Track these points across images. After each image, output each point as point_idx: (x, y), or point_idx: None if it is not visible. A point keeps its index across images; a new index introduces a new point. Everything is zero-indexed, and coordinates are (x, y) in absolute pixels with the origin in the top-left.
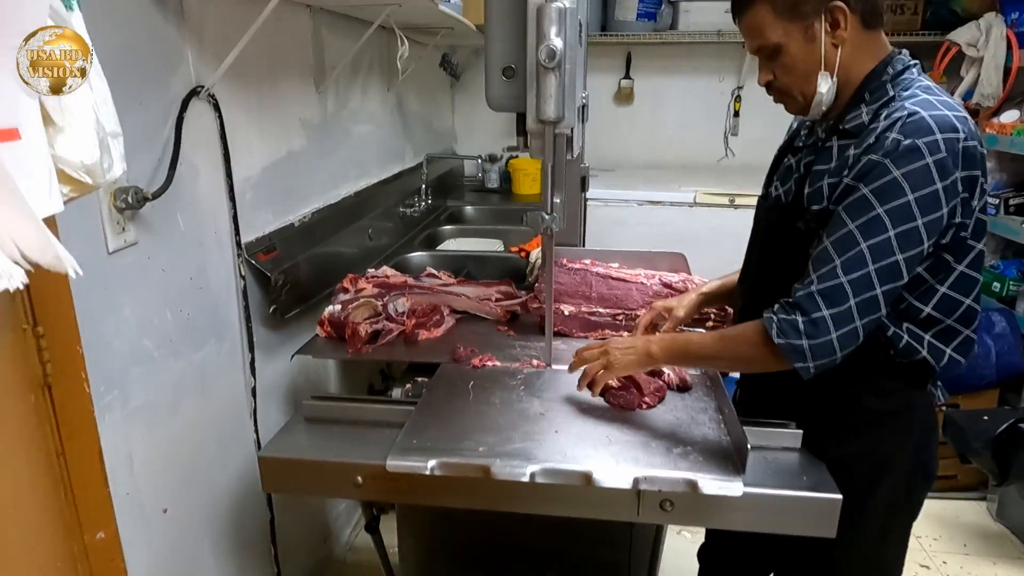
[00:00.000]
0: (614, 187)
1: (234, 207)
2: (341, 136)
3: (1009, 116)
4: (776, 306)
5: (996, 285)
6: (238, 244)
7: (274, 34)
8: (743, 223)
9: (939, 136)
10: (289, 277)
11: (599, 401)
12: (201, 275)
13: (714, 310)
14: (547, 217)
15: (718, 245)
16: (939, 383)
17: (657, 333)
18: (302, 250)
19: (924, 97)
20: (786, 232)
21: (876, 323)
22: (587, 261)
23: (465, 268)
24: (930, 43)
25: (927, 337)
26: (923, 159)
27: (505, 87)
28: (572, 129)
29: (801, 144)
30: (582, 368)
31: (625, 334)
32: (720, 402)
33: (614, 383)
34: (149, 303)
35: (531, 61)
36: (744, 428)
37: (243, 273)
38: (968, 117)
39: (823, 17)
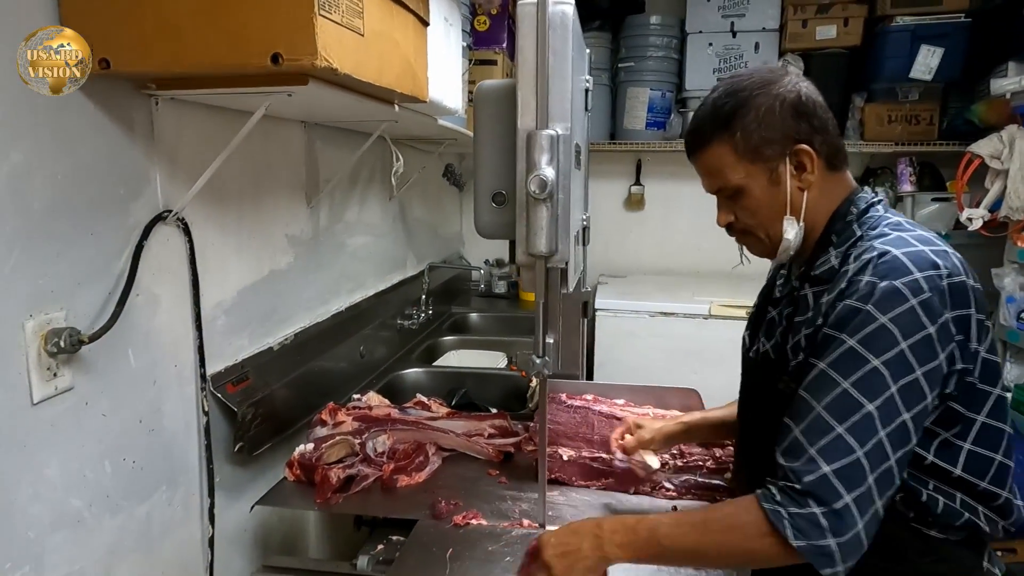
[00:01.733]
0: (625, 296)
1: (200, 337)
2: (334, 250)
3: None
4: (776, 492)
5: None
6: (203, 376)
7: (262, 149)
8: None
9: (918, 275)
10: (260, 409)
11: None
12: (154, 416)
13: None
14: (538, 360)
15: (732, 360)
16: (991, 554)
17: (610, 516)
18: (280, 376)
19: (895, 235)
20: (769, 393)
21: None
22: (589, 397)
23: (463, 387)
24: (948, 153)
25: (959, 495)
26: (907, 301)
27: (495, 214)
28: (567, 262)
29: (779, 295)
30: None
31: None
32: None
33: None
34: (82, 456)
35: (520, 190)
36: None
37: (206, 408)
38: (950, 251)
39: (788, 160)
